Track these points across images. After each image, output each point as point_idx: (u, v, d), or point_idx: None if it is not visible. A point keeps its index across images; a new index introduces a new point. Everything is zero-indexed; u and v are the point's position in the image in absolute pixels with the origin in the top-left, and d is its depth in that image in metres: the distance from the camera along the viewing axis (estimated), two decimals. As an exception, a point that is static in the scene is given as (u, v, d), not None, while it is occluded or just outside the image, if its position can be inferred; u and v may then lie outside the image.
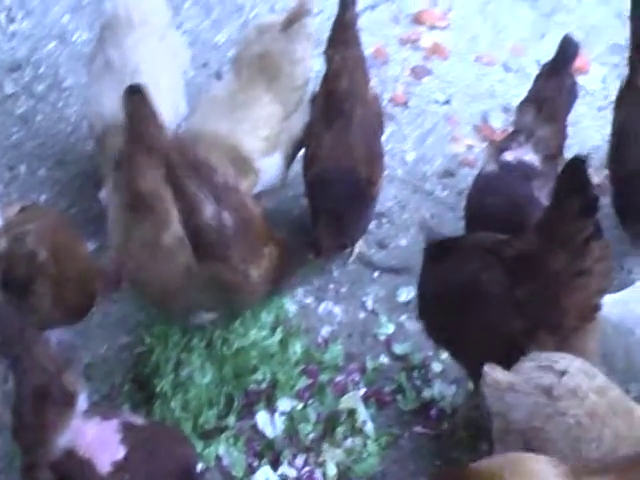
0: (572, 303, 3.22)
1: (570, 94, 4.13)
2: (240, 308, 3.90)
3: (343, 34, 4.19)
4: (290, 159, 4.25)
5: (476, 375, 3.33)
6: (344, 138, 4.09)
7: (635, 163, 4.01)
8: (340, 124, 4.10)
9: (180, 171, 3.48)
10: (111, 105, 3.93)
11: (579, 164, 3.15)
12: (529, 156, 3.95)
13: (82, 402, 3.26)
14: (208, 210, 3.53)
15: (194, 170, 3.52)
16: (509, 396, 3.06)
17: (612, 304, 3.48)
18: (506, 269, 3.33)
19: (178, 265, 3.56)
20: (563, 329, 3.24)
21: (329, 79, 4.19)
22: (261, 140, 4.07)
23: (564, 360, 3.09)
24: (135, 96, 3.38)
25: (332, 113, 4.13)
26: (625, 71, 4.26)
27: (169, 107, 4.01)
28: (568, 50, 4.08)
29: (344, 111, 4.11)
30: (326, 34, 4.25)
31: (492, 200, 3.86)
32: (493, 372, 3.09)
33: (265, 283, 3.82)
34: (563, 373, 3.04)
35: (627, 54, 4.23)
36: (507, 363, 3.16)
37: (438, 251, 3.62)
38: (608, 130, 4.25)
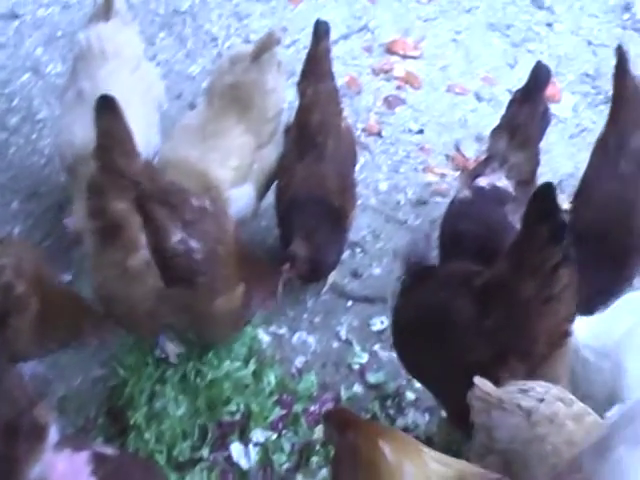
0: (542, 330, 3.21)
1: (542, 121, 4.14)
2: (210, 338, 3.89)
3: (316, 67, 4.22)
4: (263, 190, 4.25)
5: (448, 404, 3.33)
6: (316, 169, 4.11)
7: (584, 221, 3.92)
8: (313, 156, 4.12)
9: (148, 196, 3.47)
10: (83, 135, 3.91)
11: (548, 191, 3.15)
12: (502, 182, 3.96)
13: (53, 435, 3.23)
14: (175, 235, 3.50)
15: (163, 195, 3.52)
16: (496, 412, 3.05)
17: (589, 330, 3.50)
18: (476, 298, 3.33)
19: (146, 288, 3.56)
20: (533, 356, 3.24)
21: (301, 112, 4.21)
22: (231, 170, 4.06)
23: (541, 388, 3.08)
24: (107, 114, 3.40)
25: (305, 145, 4.15)
26: (595, 101, 4.29)
27: (142, 139, 3.99)
28: (540, 76, 4.10)
29: (317, 144, 4.13)
30: (300, 65, 4.28)
31: (466, 225, 3.87)
32: (484, 385, 3.08)
33: (237, 316, 3.82)
34: (541, 400, 3.04)
35: (598, 84, 4.26)
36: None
37: (413, 280, 3.63)
38: (579, 157, 4.27)
